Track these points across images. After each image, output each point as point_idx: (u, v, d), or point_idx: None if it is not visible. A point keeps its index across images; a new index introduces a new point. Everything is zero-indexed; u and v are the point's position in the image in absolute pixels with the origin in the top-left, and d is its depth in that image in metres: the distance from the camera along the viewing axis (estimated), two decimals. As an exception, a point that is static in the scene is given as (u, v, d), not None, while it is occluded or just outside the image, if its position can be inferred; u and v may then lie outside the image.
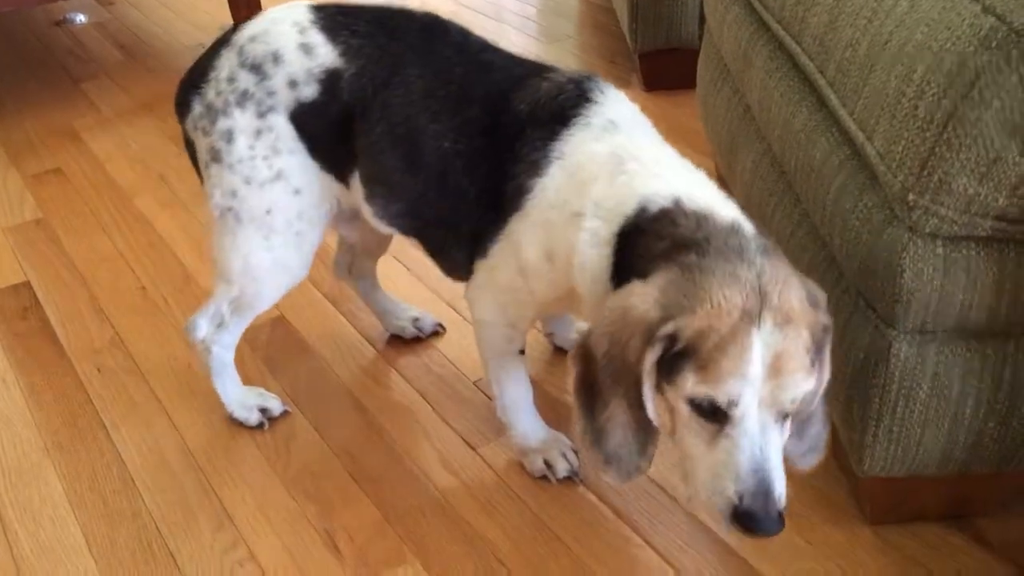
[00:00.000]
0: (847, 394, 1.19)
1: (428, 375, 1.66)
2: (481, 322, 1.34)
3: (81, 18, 3.46)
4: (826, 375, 1.05)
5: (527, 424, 1.43)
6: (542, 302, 1.26)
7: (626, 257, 1.09)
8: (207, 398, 1.58)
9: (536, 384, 1.60)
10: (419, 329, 1.74)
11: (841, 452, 1.40)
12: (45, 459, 1.52)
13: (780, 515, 0.99)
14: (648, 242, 1.06)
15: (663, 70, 2.59)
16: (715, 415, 0.99)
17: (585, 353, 1.06)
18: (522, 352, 1.38)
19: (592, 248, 1.12)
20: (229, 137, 1.32)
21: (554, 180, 1.17)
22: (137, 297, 1.91)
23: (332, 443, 1.52)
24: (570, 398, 1.58)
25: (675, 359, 0.98)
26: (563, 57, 2.91)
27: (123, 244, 2.09)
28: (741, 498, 0.98)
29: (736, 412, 0.97)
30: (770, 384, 0.97)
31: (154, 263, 2.01)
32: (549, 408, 1.55)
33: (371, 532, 1.36)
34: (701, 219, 1.04)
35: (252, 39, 1.31)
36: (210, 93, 1.32)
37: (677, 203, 1.07)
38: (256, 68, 1.30)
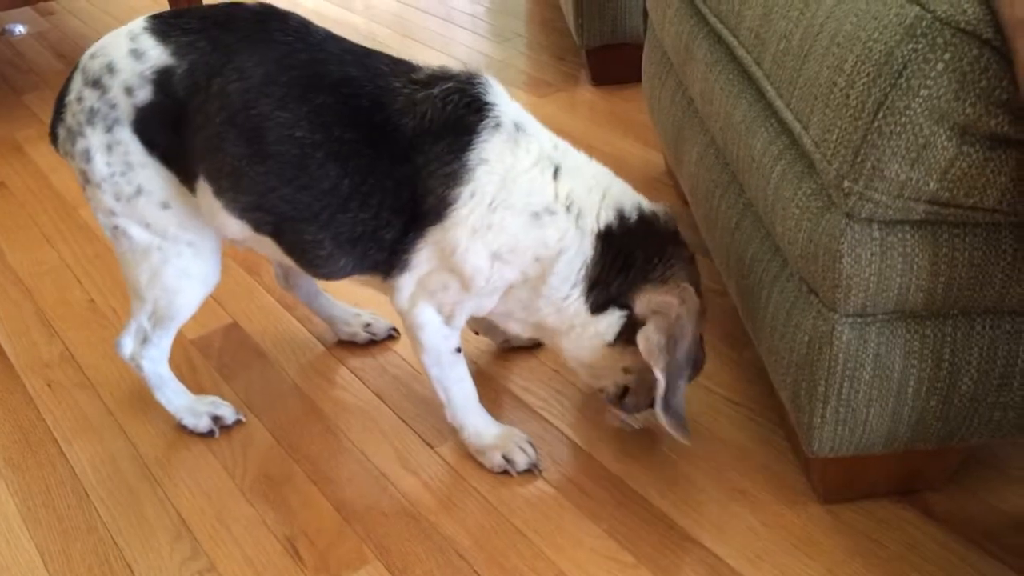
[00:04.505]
0: (794, 378, 1.22)
1: (384, 376, 1.66)
2: (418, 326, 1.35)
3: (20, 29, 3.39)
4: None
5: (478, 422, 1.44)
6: (476, 296, 1.32)
7: (610, 251, 1.29)
8: (160, 409, 1.56)
9: (487, 378, 1.62)
10: (372, 334, 1.73)
11: (792, 434, 1.43)
12: (-4, 477, 1.50)
13: None
14: (636, 240, 1.30)
15: (610, 65, 2.61)
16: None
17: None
18: (458, 350, 1.40)
19: (572, 242, 1.28)
20: (87, 157, 1.31)
21: (483, 186, 1.23)
22: (85, 309, 1.88)
23: (289, 448, 1.52)
24: (519, 390, 1.60)
25: None
26: (513, 56, 2.92)
27: (69, 256, 2.06)
28: None
29: None
30: None
31: (101, 274, 1.98)
32: (502, 401, 1.56)
33: (332, 535, 1.36)
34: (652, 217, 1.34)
35: (92, 56, 1.31)
36: (68, 117, 1.32)
37: (639, 209, 1.32)
38: (96, 83, 1.29)
